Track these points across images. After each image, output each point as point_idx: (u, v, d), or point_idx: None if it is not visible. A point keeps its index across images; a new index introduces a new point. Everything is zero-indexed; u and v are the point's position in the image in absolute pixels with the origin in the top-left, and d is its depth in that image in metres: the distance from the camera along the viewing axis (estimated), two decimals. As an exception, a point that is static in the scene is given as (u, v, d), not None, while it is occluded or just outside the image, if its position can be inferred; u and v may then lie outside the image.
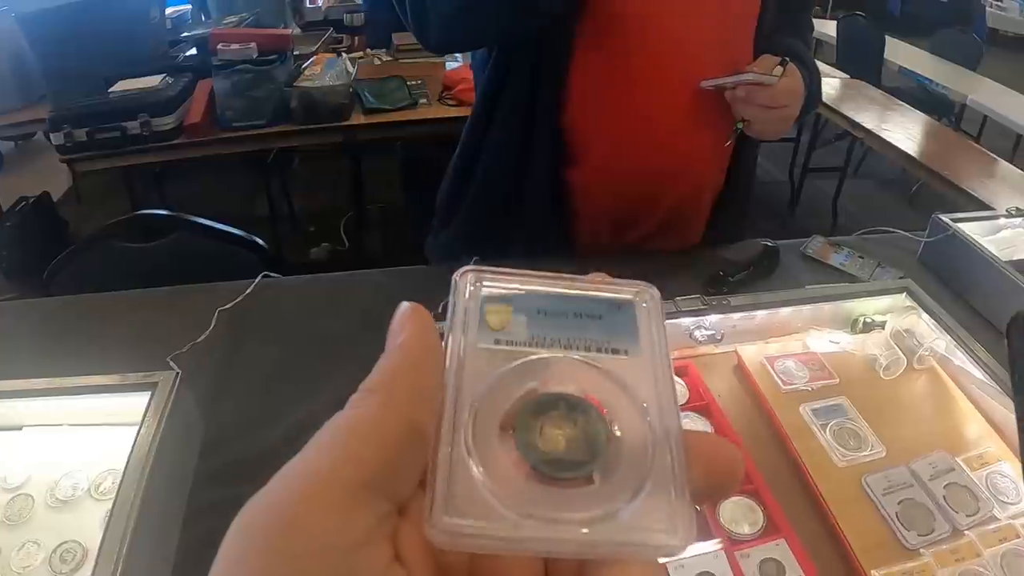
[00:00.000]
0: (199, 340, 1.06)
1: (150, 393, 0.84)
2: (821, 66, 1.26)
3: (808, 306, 1.08)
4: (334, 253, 3.58)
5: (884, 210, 4.24)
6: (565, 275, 0.30)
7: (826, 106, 3.49)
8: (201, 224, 1.50)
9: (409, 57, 3.44)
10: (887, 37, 4.68)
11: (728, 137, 1.17)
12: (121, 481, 0.74)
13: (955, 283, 1.26)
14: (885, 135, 3.22)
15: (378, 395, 0.25)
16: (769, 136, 1.19)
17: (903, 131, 3.26)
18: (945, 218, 1.28)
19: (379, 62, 3.54)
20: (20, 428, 0.90)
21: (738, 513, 0.81)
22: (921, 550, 0.79)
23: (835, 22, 4.95)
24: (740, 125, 1.14)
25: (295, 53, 3.06)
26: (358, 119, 2.89)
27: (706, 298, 1.03)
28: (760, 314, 1.06)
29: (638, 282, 0.30)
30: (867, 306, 1.10)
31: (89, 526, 0.80)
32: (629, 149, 1.17)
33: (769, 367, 1.03)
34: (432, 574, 0.23)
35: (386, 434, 0.23)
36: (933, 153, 3.06)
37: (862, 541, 0.79)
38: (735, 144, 1.22)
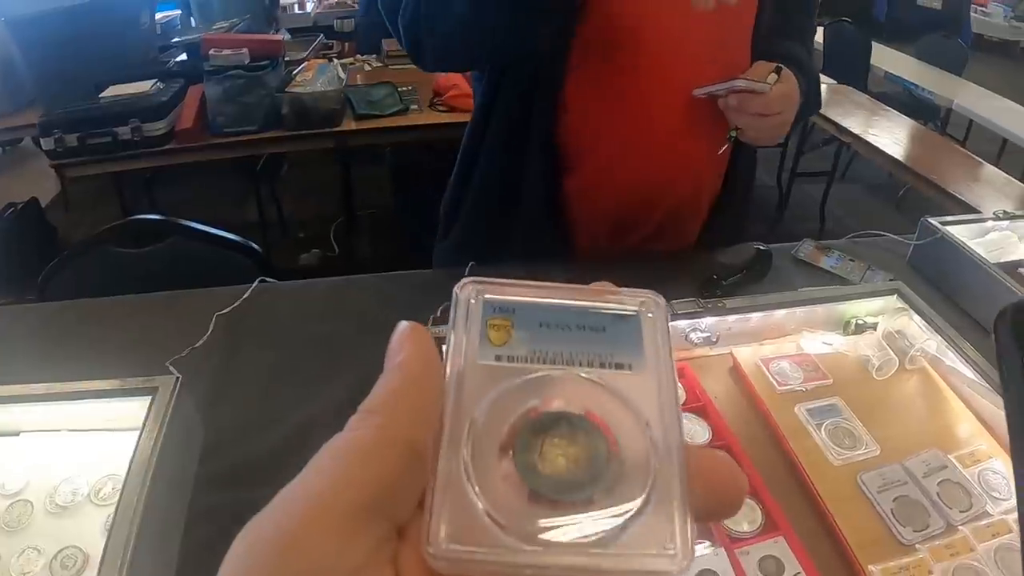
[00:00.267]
0: (197, 345, 1.06)
1: (150, 398, 0.84)
2: (809, 72, 1.27)
3: (801, 308, 1.09)
4: (324, 259, 3.57)
5: (871, 214, 4.27)
6: (568, 285, 0.29)
7: (820, 110, 3.52)
8: (195, 229, 1.49)
9: (399, 63, 3.44)
10: (873, 43, 4.71)
11: (721, 145, 1.18)
12: (123, 486, 0.74)
13: (944, 285, 1.27)
14: (872, 140, 3.25)
15: (378, 417, 0.24)
16: (763, 143, 1.19)
17: (890, 136, 3.29)
18: (934, 221, 1.30)
19: (369, 68, 3.55)
20: (18, 433, 0.89)
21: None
22: (916, 545, 0.80)
23: (822, 28, 4.98)
24: (734, 133, 1.14)
25: (286, 59, 3.06)
26: (349, 125, 2.90)
27: (701, 301, 1.05)
28: (754, 316, 1.07)
29: (644, 291, 0.29)
30: (859, 308, 1.11)
31: (89, 532, 0.80)
32: (625, 157, 1.18)
33: (764, 368, 1.04)
34: None
35: (386, 457, 0.23)
36: (919, 157, 3.09)
37: (859, 537, 0.80)
38: (732, 148, 1.22)
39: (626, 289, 0.30)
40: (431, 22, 1.08)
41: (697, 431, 0.93)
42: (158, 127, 2.66)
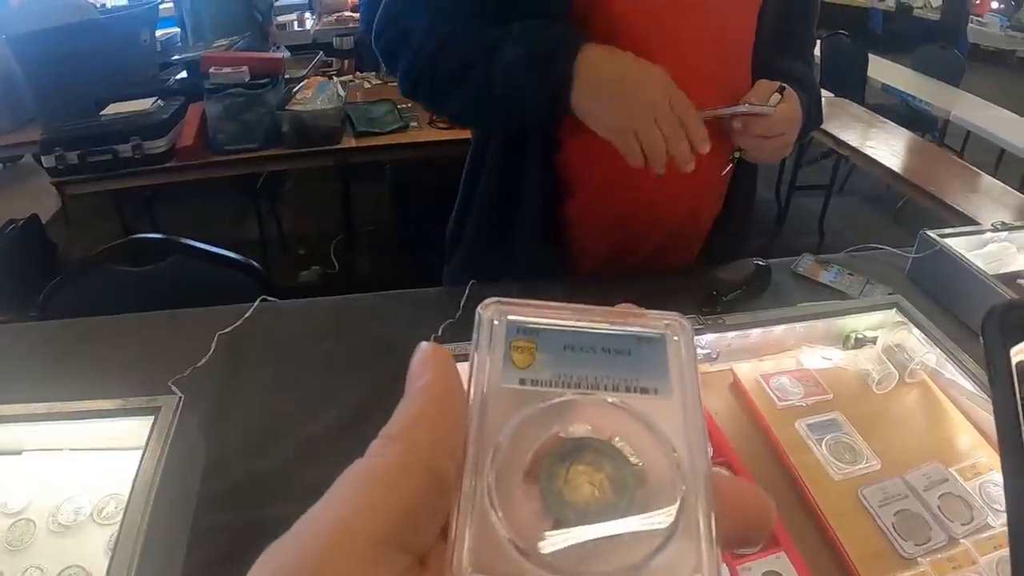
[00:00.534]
0: (200, 364, 1.06)
1: (153, 418, 0.84)
2: (807, 85, 1.27)
3: (801, 323, 1.09)
4: (325, 276, 3.58)
5: (870, 226, 4.29)
6: (592, 307, 0.29)
7: (821, 126, 3.53)
8: (196, 248, 1.50)
9: (399, 80, 3.45)
10: (870, 55, 4.74)
11: (725, 166, 1.17)
12: (127, 506, 0.74)
13: (943, 297, 1.28)
14: (870, 152, 3.27)
15: (400, 444, 0.24)
16: (767, 162, 1.19)
17: (887, 148, 3.31)
18: (932, 234, 1.30)
19: (369, 85, 3.56)
20: (20, 452, 0.89)
21: (738, 528, 0.82)
22: (918, 559, 0.80)
23: (819, 41, 4.99)
24: (737, 154, 1.14)
25: (286, 77, 3.08)
26: (349, 142, 2.91)
27: (701, 317, 1.05)
28: (754, 332, 1.07)
29: (669, 313, 0.29)
30: (858, 322, 1.11)
31: (92, 551, 0.80)
32: (623, 183, 1.16)
33: (764, 384, 1.04)
34: None
35: (409, 484, 0.23)
36: (917, 169, 3.10)
37: (860, 552, 0.80)
38: (734, 169, 1.22)
39: (651, 311, 0.29)
40: (427, 102, 1.19)
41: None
42: (159, 145, 2.68)
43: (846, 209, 4.43)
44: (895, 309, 1.11)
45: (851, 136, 3.44)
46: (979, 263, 1.24)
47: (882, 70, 4.84)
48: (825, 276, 1.33)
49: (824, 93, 4.08)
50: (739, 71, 1.17)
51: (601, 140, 1.05)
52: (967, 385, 1.00)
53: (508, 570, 0.22)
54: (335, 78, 3.35)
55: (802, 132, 1.17)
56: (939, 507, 0.85)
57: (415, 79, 1.13)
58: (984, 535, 0.83)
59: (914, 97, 4.41)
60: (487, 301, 0.29)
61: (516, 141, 1.18)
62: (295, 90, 2.99)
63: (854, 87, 4.58)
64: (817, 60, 4.68)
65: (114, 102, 2.83)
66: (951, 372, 1.03)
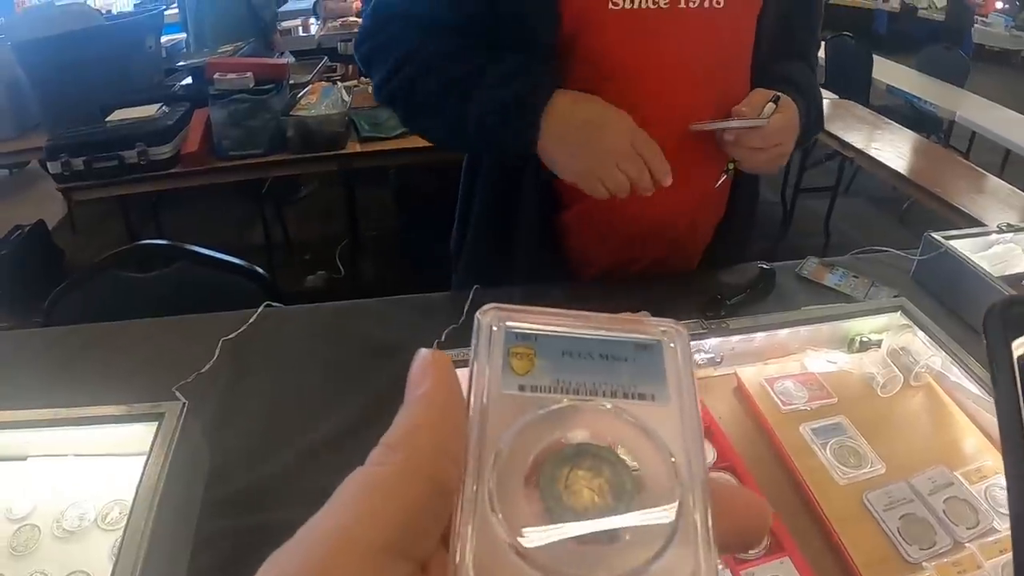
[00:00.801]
0: (204, 370, 1.06)
1: (157, 423, 0.84)
2: (811, 88, 1.27)
3: (805, 327, 1.09)
4: (330, 280, 3.58)
5: (876, 228, 4.27)
6: (590, 313, 0.29)
7: (823, 129, 3.52)
8: (201, 254, 1.50)
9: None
10: (875, 56, 4.73)
11: (718, 179, 1.16)
12: (131, 511, 0.74)
13: (949, 300, 1.27)
14: (875, 154, 3.26)
15: (400, 452, 0.24)
16: (763, 173, 1.18)
17: (893, 149, 3.30)
18: (937, 236, 1.30)
19: (373, 90, 3.56)
20: (25, 458, 0.90)
21: (742, 532, 0.81)
22: (923, 564, 0.80)
23: (823, 43, 5.00)
24: (731, 165, 1.14)
25: (290, 82, 3.09)
26: (354, 147, 2.92)
27: (705, 321, 1.04)
28: (758, 336, 1.07)
29: (666, 320, 0.29)
30: (863, 325, 1.11)
31: (96, 557, 0.80)
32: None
33: (768, 388, 1.04)
34: None
35: (409, 493, 0.23)
36: (923, 170, 3.09)
37: (865, 557, 0.80)
38: (733, 176, 1.21)
39: (648, 318, 0.29)
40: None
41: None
42: (164, 151, 2.69)
43: (852, 211, 4.42)
44: (900, 312, 1.11)
45: (856, 138, 3.44)
46: (985, 265, 1.23)
47: (887, 71, 4.83)
48: (830, 279, 1.33)
49: (829, 95, 4.13)
50: (737, 76, 1.16)
51: None
52: (972, 388, 0.99)
53: (509, 574, 0.22)
54: (339, 83, 3.35)
55: (801, 138, 1.16)
56: (944, 511, 0.85)
57: (391, 96, 1.16)
58: (990, 539, 0.82)
59: (919, 98, 4.40)
60: (486, 307, 0.29)
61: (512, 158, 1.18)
62: (299, 95, 2.99)
63: (859, 88, 4.57)
64: (821, 62, 4.67)
65: (119, 108, 2.84)
66: (956, 375, 1.03)
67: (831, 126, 3.54)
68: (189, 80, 3.50)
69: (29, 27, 3.33)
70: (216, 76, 2.75)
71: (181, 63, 3.75)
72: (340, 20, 4.91)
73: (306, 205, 4.31)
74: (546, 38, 1.07)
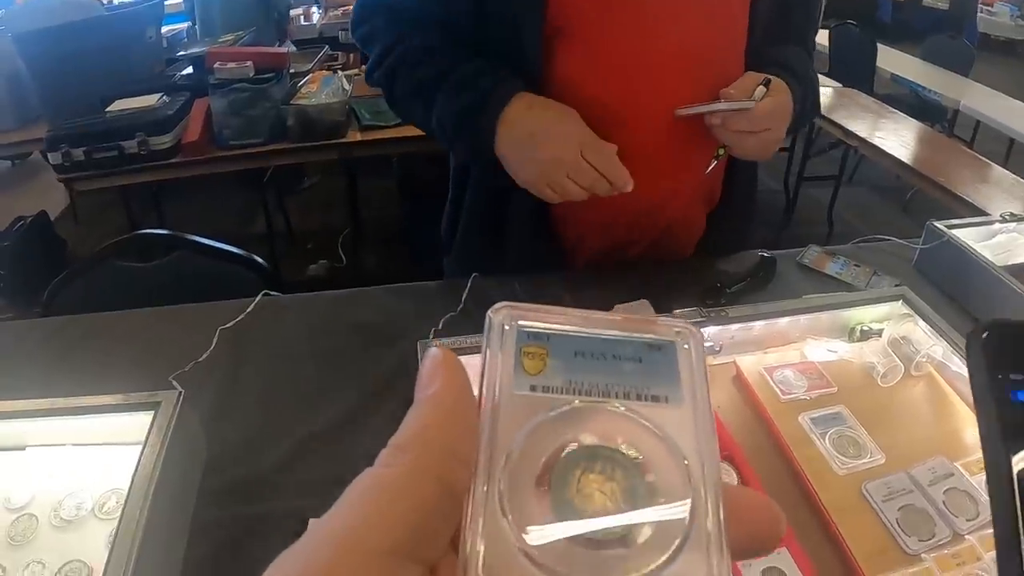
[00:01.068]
0: (201, 359, 1.06)
1: (153, 412, 0.84)
2: (814, 76, 1.25)
3: (805, 316, 1.08)
4: (332, 270, 3.58)
5: (879, 217, 4.26)
6: (602, 313, 0.29)
7: (819, 115, 3.51)
8: (201, 243, 1.50)
9: (404, 73, 3.44)
10: (879, 45, 4.71)
11: (707, 165, 1.15)
12: (126, 500, 0.74)
13: (951, 289, 1.27)
14: (879, 143, 3.24)
15: (409, 454, 0.24)
16: (754, 159, 1.17)
17: (897, 138, 3.28)
18: (939, 225, 1.29)
19: (375, 78, 3.54)
20: (23, 448, 0.90)
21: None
22: (922, 555, 0.79)
23: (827, 31, 4.97)
24: (721, 151, 1.12)
25: (291, 71, 3.08)
26: (354, 136, 2.92)
27: (704, 310, 1.04)
28: (758, 324, 1.06)
29: (679, 321, 0.29)
30: (864, 314, 1.10)
31: (94, 546, 0.80)
32: None
33: (768, 377, 1.03)
34: None
35: (418, 494, 0.23)
36: (927, 159, 3.08)
37: (864, 548, 0.79)
38: (729, 161, 1.20)
39: (662, 318, 0.29)
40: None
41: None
42: (164, 140, 2.69)
43: (855, 200, 4.41)
44: (901, 301, 1.10)
45: (860, 126, 3.42)
46: (987, 254, 1.22)
47: (891, 60, 4.81)
48: (831, 267, 1.32)
49: (832, 83, 4.12)
50: (731, 60, 1.13)
51: None
52: (973, 378, 0.99)
53: None
54: (340, 72, 3.34)
55: (795, 124, 1.15)
56: (944, 502, 0.84)
57: (378, 82, 1.18)
58: (989, 531, 0.80)
59: (923, 87, 4.38)
60: (498, 305, 0.28)
61: None
62: (300, 84, 2.99)
63: (863, 77, 4.55)
64: (825, 50, 4.66)
65: (120, 98, 2.84)
66: (958, 365, 1.02)
67: (835, 114, 3.52)
68: (190, 70, 3.50)
69: (29, 18, 3.32)
70: (216, 65, 2.75)
71: (182, 53, 3.74)
72: (341, 9, 4.88)
73: (308, 194, 4.31)
74: (532, 32, 1.06)
